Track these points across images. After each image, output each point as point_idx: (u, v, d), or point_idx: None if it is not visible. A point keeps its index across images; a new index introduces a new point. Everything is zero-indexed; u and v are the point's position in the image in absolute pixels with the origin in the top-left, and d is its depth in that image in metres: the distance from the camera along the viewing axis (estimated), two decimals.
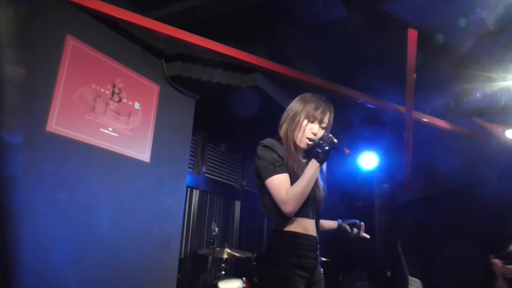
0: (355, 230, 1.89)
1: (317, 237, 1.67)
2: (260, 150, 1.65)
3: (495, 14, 2.74)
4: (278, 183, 1.57)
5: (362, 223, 1.91)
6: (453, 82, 3.81)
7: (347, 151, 1.63)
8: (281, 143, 1.70)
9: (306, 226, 1.62)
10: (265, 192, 1.63)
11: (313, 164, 1.59)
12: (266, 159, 1.61)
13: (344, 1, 2.92)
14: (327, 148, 1.59)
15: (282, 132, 1.72)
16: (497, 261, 2.78)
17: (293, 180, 1.60)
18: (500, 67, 3.34)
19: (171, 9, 2.99)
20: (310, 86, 3.37)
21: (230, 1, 2.83)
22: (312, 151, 1.65)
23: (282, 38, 3.48)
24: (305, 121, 1.69)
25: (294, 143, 1.70)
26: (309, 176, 1.57)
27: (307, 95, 1.78)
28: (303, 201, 1.57)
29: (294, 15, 3.17)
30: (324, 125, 1.72)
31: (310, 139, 1.69)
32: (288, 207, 1.54)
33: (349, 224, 1.92)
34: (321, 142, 1.61)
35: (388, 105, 3.84)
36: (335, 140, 1.61)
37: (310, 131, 1.69)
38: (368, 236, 1.90)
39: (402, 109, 3.78)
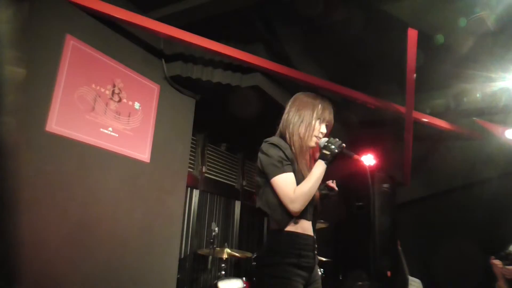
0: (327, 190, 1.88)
1: (315, 237, 1.67)
2: (267, 147, 1.65)
3: (495, 14, 2.74)
4: (285, 181, 1.57)
5: (328, 182, 1.89)
6: (453, 82, 3.81)
7: (355, 156, 1.66)
8: (286, 142, 1.71)
9: (304, 226, 1.63)
10: (269, 190, 1.62)
11: (321, 165, 1.61)
12: (273, 156, 1.61)
13: (344, 1, 2.92)
14: (336, 150, 1.62)
15: (289, 133, 1.71)
16: (497, 262, 2.78)
17: (298, 181, 1.61)
18: (500, 67, 3.34)
19: (171, 9, 2.99)
20: (310, 86, 3.37)
21: (230, 1, 2.83)
22: (319, 152, 1.67)
23: (282, 38, 3.48)
24: (317, 123, 1.72)
25: (306, 144, 1.71)
26: (316, 176, 1.59)
27: (307, 97, 1.78)
28: (309, 200, 1.58)
29: (294, 15, 3.17)
30: (328, 125, 1.76)
31: (318, 137, 1.73)
32: (296, 205, 1.55)
33: (326, 188, 1.91)
34: (329, 144, 1.64)
35: (388, 105, 3.84)
36: (344, 145, 1.65)
37: (318, 131, 1.73)
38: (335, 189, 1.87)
39: (402, 109, 3.78)
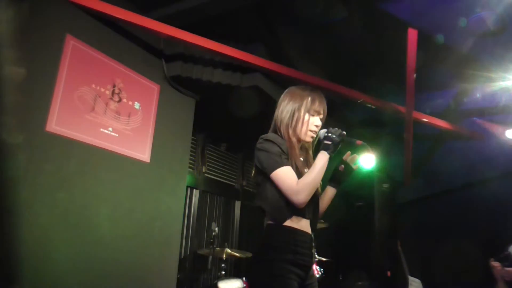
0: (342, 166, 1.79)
1: (313, 236, 1.64)
2: (264, 143, 1.62)
3: (495, 14, 2.74)
4: (286, 174, 1.54)
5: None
6: (453, 82, 3.81)
7: (358, 141, 1.64)
8: (282, 138, 1.69)
9: (302, 224, 1.60)
10: (268, 186, 1.59)
11: (323, 156, 1.58)
12: (271, 151, 1.58)
13: (344, 1, 2.91)
14: (337, 139, 1.59)
15: (282, 129, 1.69)
16: (496, 264, 2.78)
17: (297, 176, 1.58)
18: (500, 67, 3.34)
19: (171, 9, 2.98)
20: (310, 86, 3.36)
21: (230, 1, 2.83)
22: (320, 144, 1.65)
23: (282, 38, 3.48)
24: (307, 116, 1.69)
25: (298, 138, 1.69)
26: (319, 167, 1.55)
27: (297, 89, 1.77)
28: (314, 191, 1.55)
29: (294, 15, 3.17)
30: (321, 116, 1.73)
31: (313, 132, 1.70)
32: (300, 197, 1.50)
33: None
34: (329, 134, 1.61)
35: (388, 105, 3.84)
36: (344, 132, 1.62)
37: (313, 124, 1.70)
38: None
39: (402, 109, 3.78)
